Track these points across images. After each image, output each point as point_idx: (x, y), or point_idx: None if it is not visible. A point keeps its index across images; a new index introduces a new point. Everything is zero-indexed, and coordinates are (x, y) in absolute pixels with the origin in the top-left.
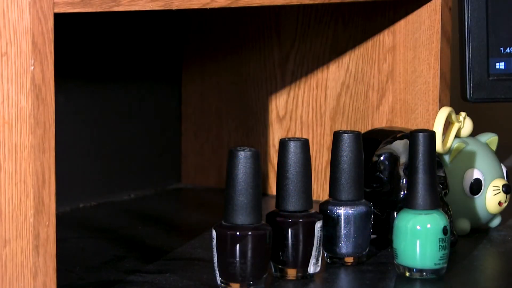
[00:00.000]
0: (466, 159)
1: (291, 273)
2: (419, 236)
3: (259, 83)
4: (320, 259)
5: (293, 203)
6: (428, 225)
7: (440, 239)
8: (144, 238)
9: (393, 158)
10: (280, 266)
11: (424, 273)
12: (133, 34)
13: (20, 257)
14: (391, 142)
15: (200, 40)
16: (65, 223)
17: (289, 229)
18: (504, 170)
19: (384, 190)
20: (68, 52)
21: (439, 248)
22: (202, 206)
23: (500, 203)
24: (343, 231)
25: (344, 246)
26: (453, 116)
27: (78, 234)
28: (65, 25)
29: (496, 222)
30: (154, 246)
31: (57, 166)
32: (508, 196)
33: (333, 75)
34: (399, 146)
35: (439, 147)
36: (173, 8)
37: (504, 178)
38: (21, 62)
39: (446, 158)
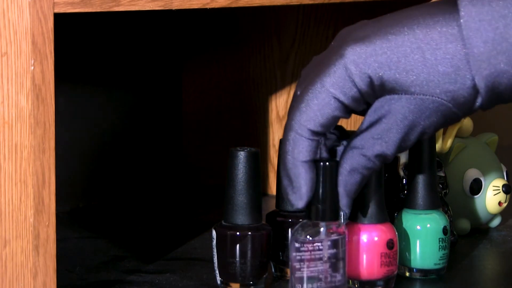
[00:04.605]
0: (466, 159)
1: None
2: (419, 236)
3: (259, 83)
4: None
5: None
6: (428, 225)
7: (440, 239)
8: (144, 238)
9: (393, 158)
10: (280, 266)
11: (424, 273)
12: (133, 34)
13: (20, 257)
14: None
15: (200, 40)
16: (65, 223)
17: (289, 229)
18: (504, 170)
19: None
20: (68, 52)
21: (439, 248)
22: (202, 206)
23: (500, 203)
24: None
25: None
26: None
27: (78, 234)
28: (65, 25)
29: (496, 222)
30: (154, 246)
31: (57, 166)
32: (508, 196)
33: None
34: None
35: (439, 147)
36: (173, 8)
37: (504, 178)
38: (21, 62)
39: (446, 158)
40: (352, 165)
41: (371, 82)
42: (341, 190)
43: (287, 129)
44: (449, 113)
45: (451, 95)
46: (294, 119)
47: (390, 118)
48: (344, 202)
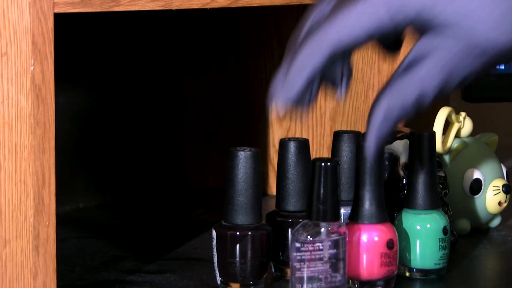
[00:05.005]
0: (466, 159)
1: None
2: (419, 236)
3: (259, 83)
4: None
5: (293, 203)
6: (428, 225)
7: (440, 239)
8: (144, 238)
9: (393, 158)
10: (280, 266)
11: (424, 273)
12: (134, 35)
13: (20, 257)
14: (391, 142)
15: (200, 40)
16: (65, 223)
17: (289, 229)
18: (504, 170)
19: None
20: (68, 52)
21: (439, 248)
22: (202, 206)
23: (500, 203)
24: None
25: None
26: (453, 116)
27: (78, 234)
28: (65, 25)
29: (496, 222)
30: (154, 246)
31: (57, 166)
32: (508, 196)
33: None
34: (399, 146)
35: (439, 147)
36: (173, 8)
37: (504, 178)
38: (21, 62)
39: (446, 158)
40: (386, 113)
41: (413, 18)
42: (372, 136)
43: (311, 37)
44: (491, 61)
45: (495, 42)
46: (323, 30)
47: (432, 60)
48: (371, 150)
